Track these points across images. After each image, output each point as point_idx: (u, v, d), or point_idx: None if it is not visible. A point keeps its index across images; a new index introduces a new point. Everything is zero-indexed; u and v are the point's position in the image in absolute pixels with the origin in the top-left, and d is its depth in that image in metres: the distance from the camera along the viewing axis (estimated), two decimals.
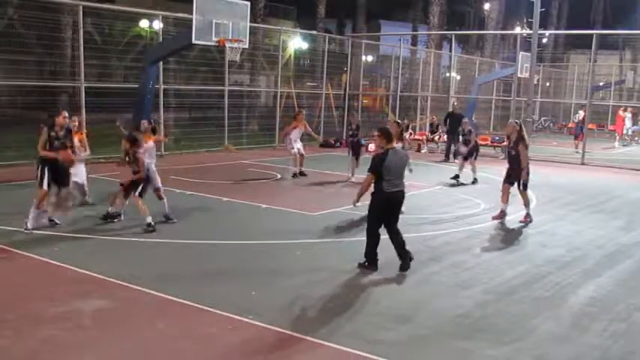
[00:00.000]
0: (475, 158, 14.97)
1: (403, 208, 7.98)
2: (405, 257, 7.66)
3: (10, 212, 9.78)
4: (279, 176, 14.61)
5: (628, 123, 28.89)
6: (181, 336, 5.56)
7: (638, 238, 10.17)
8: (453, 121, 18.84)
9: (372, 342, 5.57)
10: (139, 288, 6.64)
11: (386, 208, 7.63)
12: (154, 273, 7.23)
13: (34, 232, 8.69)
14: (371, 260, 7.69)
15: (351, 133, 14.96)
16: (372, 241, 7.67)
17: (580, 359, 5.51)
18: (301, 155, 14.58)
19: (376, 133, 7.87)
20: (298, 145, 14.49)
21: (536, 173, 17.13)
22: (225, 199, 11.69)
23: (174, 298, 6.38)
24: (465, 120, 16.22)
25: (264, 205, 11.15)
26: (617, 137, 27.69)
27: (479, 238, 9.61)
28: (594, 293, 7.23)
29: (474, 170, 14.84)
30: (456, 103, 21.85)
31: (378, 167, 7.47)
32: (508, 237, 9.75)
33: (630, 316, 6.58)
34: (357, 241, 9.03)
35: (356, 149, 14.63)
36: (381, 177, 7.47)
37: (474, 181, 14.74)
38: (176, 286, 6.74)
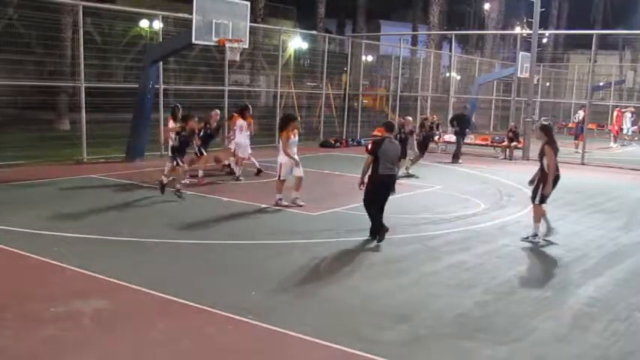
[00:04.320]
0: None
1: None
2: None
3: (10, 212, 9.79)
4: None
5: (628, 123, 28.89)
6: (181, 336, 5.55)
7: (638, 238, 10.17)
8: (462, 122, 19.18)
9: (372, 342, 5.57)
10: (139, 288, 6.63)
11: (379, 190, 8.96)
12: (154, 273, 7.24)
13: (34, 232, 8.69)
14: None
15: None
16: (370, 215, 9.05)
17: (580, 359, 5.52)
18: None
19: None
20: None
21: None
22: (225, 199, 11.69)
23: (174, 298, 6.37)
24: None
25: (263, 205, 11.16)
26: (612, 137, 27.65)
27: (479, 238, 9.61)
28: (594, 293, 7.23)
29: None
30: (468, 106, 22.11)
31: (375, 151, 8.79)
32: (508, 237, 9.74)
33: (630, 316, 6.57)
34: (357, 241, 9.04)
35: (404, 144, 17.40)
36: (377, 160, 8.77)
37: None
38: (176, 286, 6.74)
